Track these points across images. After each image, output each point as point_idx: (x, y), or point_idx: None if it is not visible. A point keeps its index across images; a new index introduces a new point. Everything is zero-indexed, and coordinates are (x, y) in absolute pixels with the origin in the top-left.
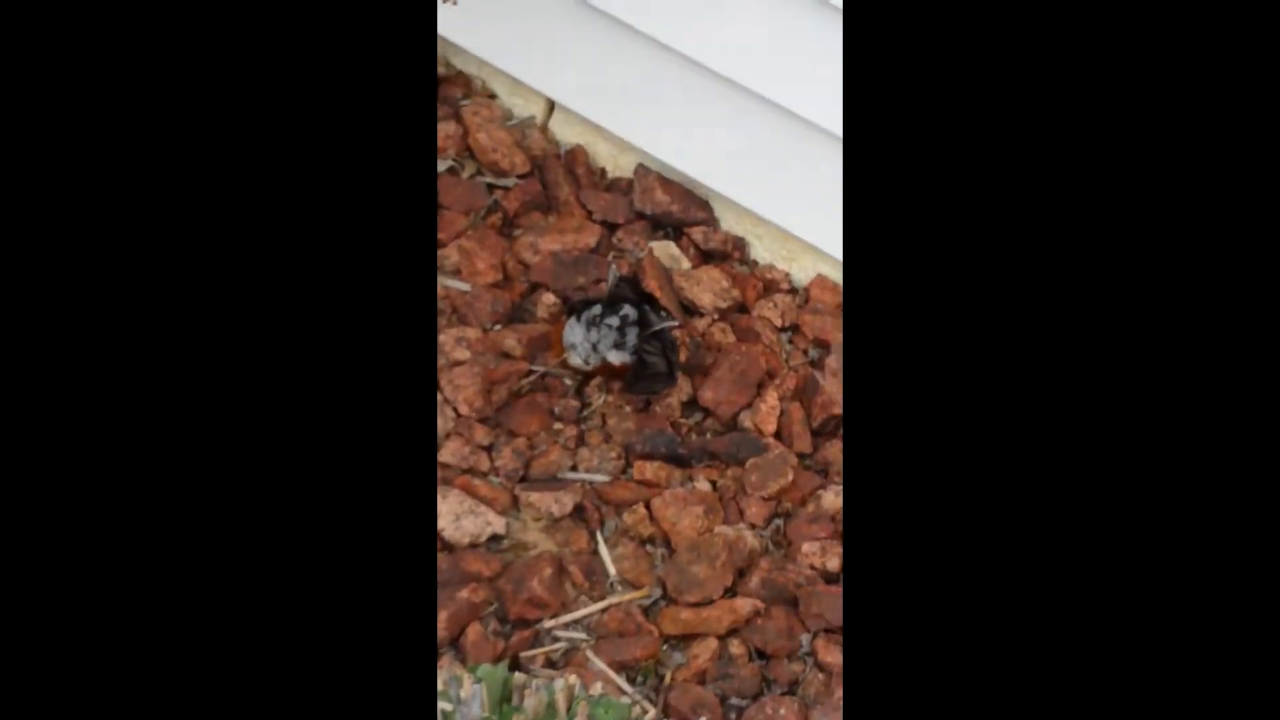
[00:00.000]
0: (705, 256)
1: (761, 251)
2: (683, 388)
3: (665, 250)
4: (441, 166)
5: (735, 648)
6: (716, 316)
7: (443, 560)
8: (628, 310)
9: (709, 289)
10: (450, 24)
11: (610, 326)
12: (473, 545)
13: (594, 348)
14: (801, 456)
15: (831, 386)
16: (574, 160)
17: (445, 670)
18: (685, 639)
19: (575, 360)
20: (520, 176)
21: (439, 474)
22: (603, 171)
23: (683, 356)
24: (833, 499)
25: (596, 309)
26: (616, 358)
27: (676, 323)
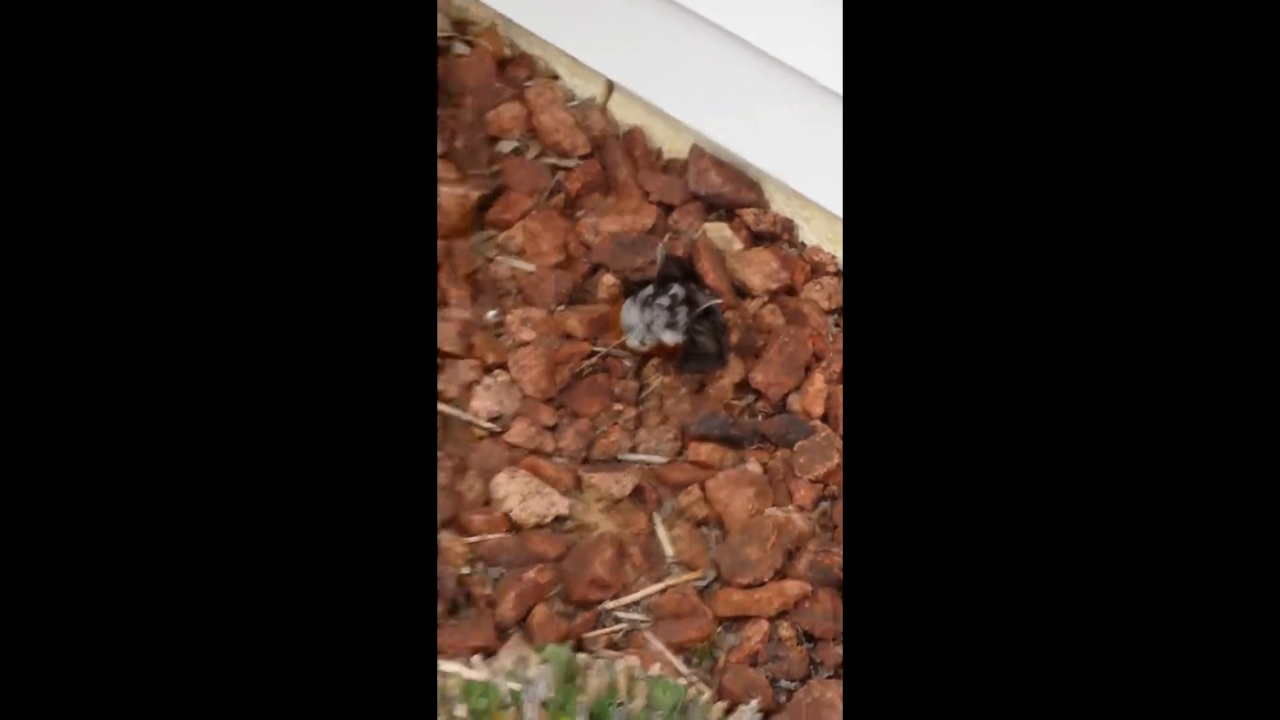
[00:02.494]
0: (756, 238)
1: (809, 234)
2: (736, 369)
3: (718, 232)
4: (507, 147)
5: (784, 630)
6: (767, 299)
7: (510, 541)
8: (677, 289)
9: (759, 270)
10: (514, 5)
11: (662, 306)
12: (539, 526)
13: (648, 328)
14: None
15: None
16: (632, 142)
17: (513, 650)
18: (738, 620)
19: (632, 341)
20: (581, 157)
21: (507, 454)
22: (659, 153)
23: (735, 338)
24: None
25: (649, 289)
26: (670, 338)
27: (719, 300)
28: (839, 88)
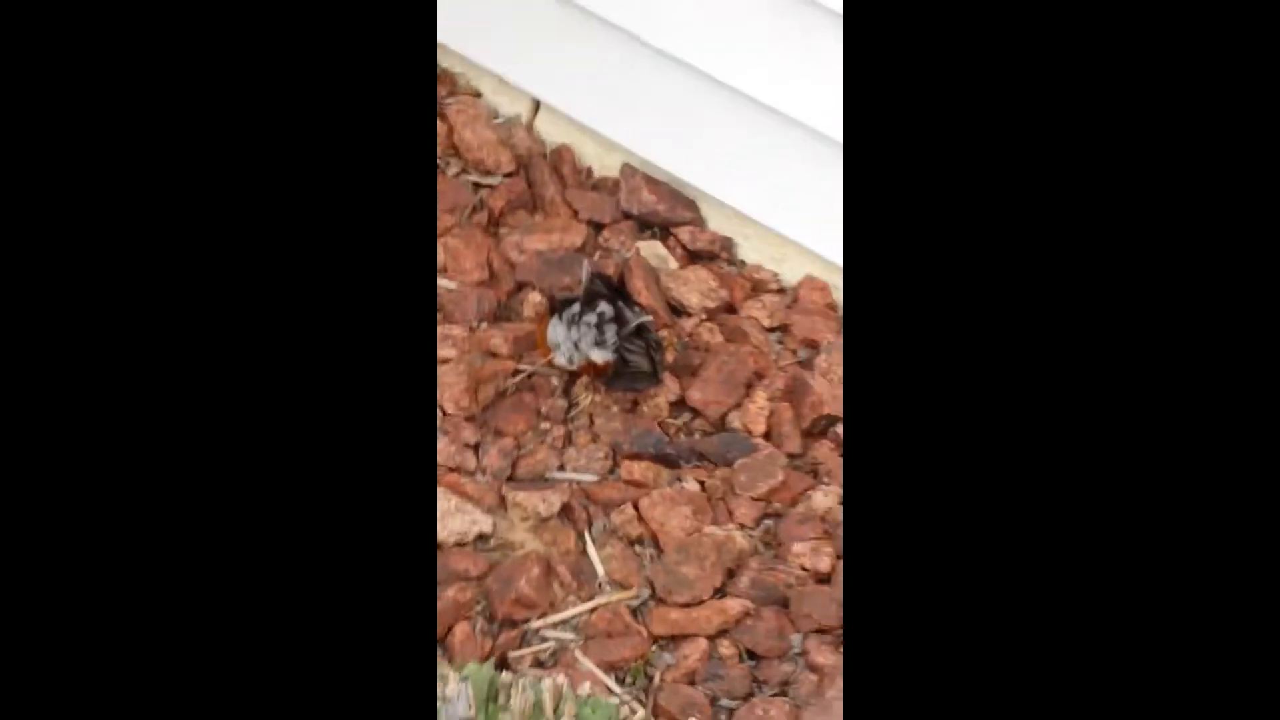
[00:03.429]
0: (693, 256)
1: (749, 252)
2: (670, 388)
3: (652, 250)
4: None
5: (725, 648)
6: (704, 316)
7: None
8: (604, 307)
9: (696, 289)
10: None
11: (589, 324)
12: (459, 544)
13: (576, 346)
14: (791, 457)
15: (821, 387)
16: (560, 159)
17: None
18: (674, 639)
19: (560, 359)
20: (506, 175)
21: None
22: (589, 171)
23: (670, 356)
24: (822, 499)
25: (575, 307)
26: (599, 356)
27: (649, 317)
28: (775, 102)
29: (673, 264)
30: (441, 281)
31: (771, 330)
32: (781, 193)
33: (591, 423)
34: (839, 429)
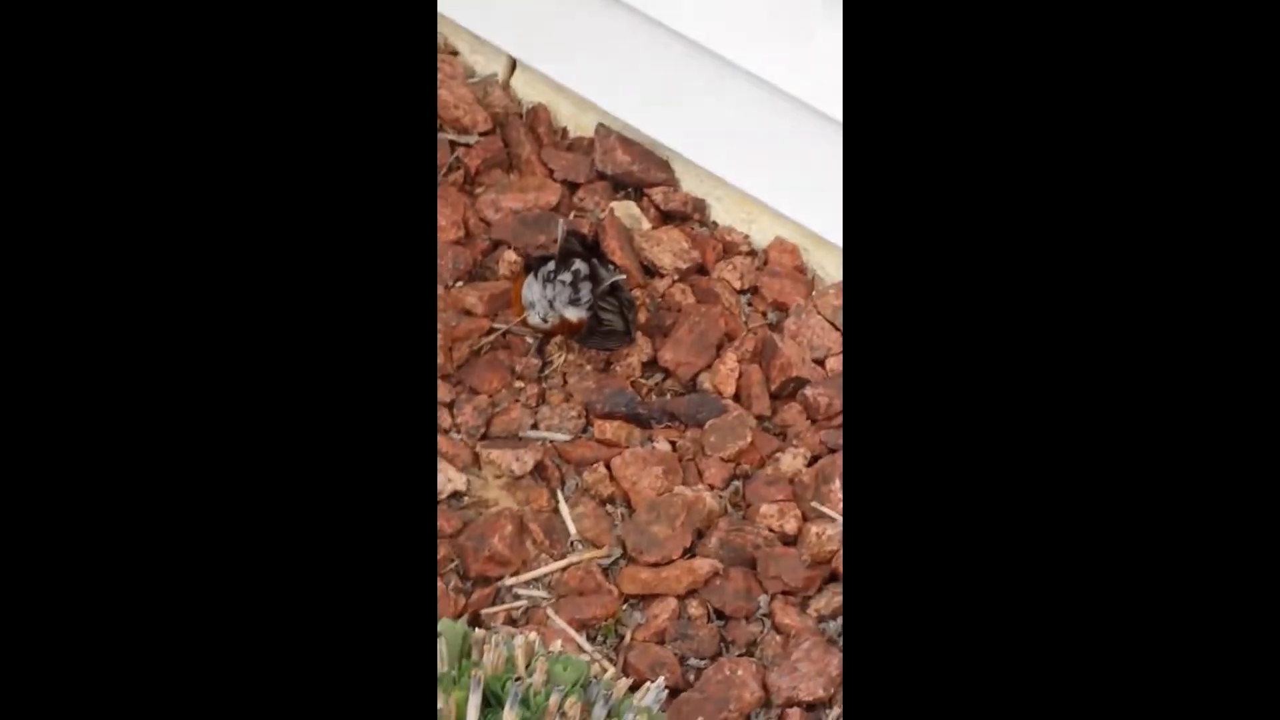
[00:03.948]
0: (665, 217)
1: (721, 213)
2: (643, 348)
3: (626, 210)
4: None
5: (694, 608)
6: (677, 277)
7: None
8: (579, 265)
9: (669, 249)
10: None
11: (564, 283)
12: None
13: (551, 305)
14: (760, 419)
15: (789, 349)
16: (535, 119)
17: None
18: (645, 599)
19: (534, 318)
20: (482, 134)
21: None
22: (564, 131)
23: (643, 316)
24: (790, 461)
25: (550, 266)
26: (573, 314)
27: (623, 276)
28: (745, 62)
29: (646, 224)
30: None
31: (742, 292)
32: (753, 155)
33: (565, 382)
34: (807, 391)
